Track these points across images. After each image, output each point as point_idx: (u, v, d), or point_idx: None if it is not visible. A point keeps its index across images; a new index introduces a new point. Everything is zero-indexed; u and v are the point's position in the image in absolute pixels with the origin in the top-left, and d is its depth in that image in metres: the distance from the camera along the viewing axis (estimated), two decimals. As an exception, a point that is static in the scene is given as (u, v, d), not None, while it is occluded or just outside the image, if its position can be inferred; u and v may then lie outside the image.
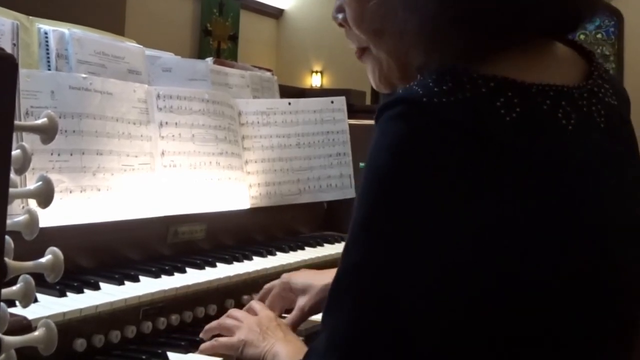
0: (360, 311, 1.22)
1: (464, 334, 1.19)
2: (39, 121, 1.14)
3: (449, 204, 1.17)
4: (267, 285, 2.17)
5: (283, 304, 2.13)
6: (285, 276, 2.14)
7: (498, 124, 1.20)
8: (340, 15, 1.59)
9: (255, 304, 2.05)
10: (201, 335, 1.95)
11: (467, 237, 1.16)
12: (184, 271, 2.14)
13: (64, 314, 1.67)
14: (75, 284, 1.84)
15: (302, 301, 2.07)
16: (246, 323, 1.92)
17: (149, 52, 2.69)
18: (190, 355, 1.85)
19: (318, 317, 2.00)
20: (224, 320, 1.97)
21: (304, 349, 1.72)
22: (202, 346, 1.89)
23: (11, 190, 1.02)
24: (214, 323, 1.96)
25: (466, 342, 1.19)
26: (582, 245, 1.22)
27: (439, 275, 1.17)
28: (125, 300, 1.84)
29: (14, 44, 2.08)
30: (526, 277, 1.18)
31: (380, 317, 1.20)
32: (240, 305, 2.16)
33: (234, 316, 1.98)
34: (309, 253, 2.62)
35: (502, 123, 1.20)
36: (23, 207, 1.84)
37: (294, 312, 2.06)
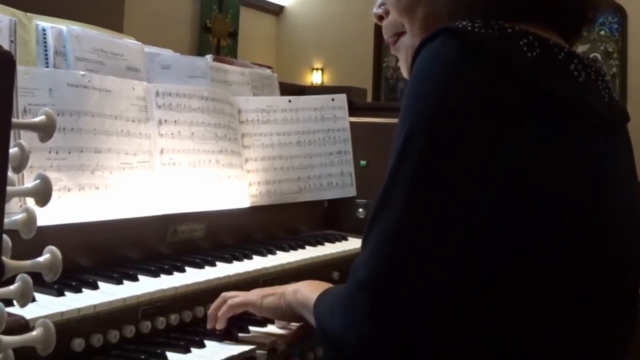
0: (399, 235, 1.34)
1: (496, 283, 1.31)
2: (37, 119, 1.13)
3: (482, 141, 1.31)
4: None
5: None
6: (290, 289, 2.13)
7: (521, 58, 1.37)
8: (381, 9, 1.71)
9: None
10: (209, 324, 1.99)
11: (498, 177, 1.30)
12: (183, 270, 2.14)
13: (62, 313, 1.67)
14: (74, 284, 1.84)
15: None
16: (254, 290, 2.00)
17: (148, 49, 2.69)
18: (189, 355, 1.84)
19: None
20: (223, 295, 2.01)
21: (323, 284, 1.77)
22: (220, 312, 1.96)
23: (9, 188, 1.02)
24: (212, 305, 2.01)
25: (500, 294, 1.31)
26: (594, 181, 1.39)
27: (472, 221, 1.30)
28: (124, 299, 1.84)
29: (12, 41, 2.08)
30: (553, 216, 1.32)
31: (418, 250, 1.32)
32: (240, 305, 2.17)
33: (236, 292, 2.02)
34: (310, 252, 2.62)
35: (524, 58, 1.37)
36: (21, 206, 1.83)
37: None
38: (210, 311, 2.00)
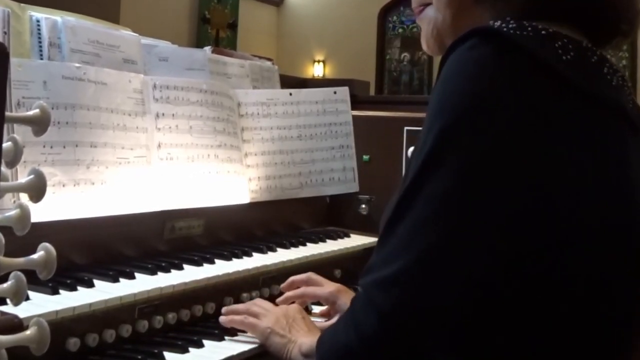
0: (426, 239, 1.36)
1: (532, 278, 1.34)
2: (31, 112, 1.13)
3: (520, 135, 1.34)
4: (312, 276, 2.27)
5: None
6: (334, 291, 2.20)
7: (557, 60, 1.40)
8: None
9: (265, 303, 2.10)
10: (222, 317, 2.03)
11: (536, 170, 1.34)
12: (181, 268, 2.14)
13: (57, 312, 1.67)
14: (69, 281, 1.84)
15: None
16: (273, 312, 2.00)
17: (145, 40, 2.69)
18: (187, 355, 1.85)
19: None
20: (251, 305, 2.05)
21: None
22: (232, 318, 1.99)
23: (2, 184, 1.02)
24: (239, 306, 2.06)
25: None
26: (625, 183, 1.42)
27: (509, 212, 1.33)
28: (120, 298, 1.84)
29: (5, 32, 2.07)
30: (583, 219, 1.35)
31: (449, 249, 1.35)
32: (239, 304, 2.17)
33: (260, 304, 2.06)
34: (311, 249, 2.62)
35: (560, 60, 1.40)
36: (14, 202, 1.84)
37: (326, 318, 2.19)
38: (232, 308, 2.06)
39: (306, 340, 1.85)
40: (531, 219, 1.33)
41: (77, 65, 2.19)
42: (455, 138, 1.35)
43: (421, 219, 1.37)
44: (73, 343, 1.71)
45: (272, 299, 2.26)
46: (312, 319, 2.09)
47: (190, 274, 2.10)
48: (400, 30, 16.22)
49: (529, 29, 1.41)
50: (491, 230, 1.33)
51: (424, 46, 1.70)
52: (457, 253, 1.34)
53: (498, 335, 1.37)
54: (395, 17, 16.25)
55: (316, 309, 2.30)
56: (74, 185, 2.07)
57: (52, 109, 2.03)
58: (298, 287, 2.24)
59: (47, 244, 1.16)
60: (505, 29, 1.40)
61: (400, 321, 1.38)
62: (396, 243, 1.40)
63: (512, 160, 1.34)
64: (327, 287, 2.21)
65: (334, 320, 2.10)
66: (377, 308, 1.39)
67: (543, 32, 1.42)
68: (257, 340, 1.95)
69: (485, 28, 1.41)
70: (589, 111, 1.40)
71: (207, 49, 3.03)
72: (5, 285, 1.10)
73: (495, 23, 1.43)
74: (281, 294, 2.25)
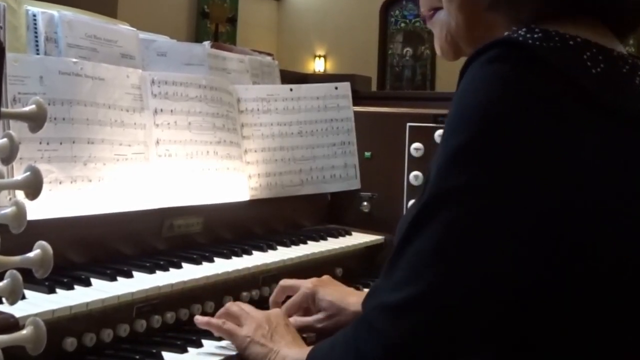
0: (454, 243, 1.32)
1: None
2: (27, 108, 1.13)
3: (545, 146, 1.30)
4: (284, 284, 2.19)
5: (299, 312, 2.14)
6: (310, 286, 2.14)
7: (585, 74, 1.35)
8: None
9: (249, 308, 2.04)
10: (198, 317, 1.98)
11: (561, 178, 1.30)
12: (179, 266, 2.14)
13: (53, 311, 1.67)
14: (65, 280, 1.84)
15: (321, 321, 2.10)
16: (254, 317, 1.93)
17: (143, 35, 2.68)
18: (186, 355, 1.85)
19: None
20: (230, 306, 1.99)
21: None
22: (209, 320, 1.93)
23: (-3, 181, 1.02)
24: (220, 312, 1.99)
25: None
26: None
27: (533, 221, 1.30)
28: (118, 297, 1.84)
29: (1, 27, 2.07)
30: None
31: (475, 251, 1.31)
32: (239, 303, 2.17)
33: (240, 305, 2.00)
34: (312, 247, 2.62)
35: (588, 74, 1.35)
36: (10, 199, 1.84)
37: (307, 323, 2.10)
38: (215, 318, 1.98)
39: (290, 352, 1.79)
40: (552, 229, 1.31)
41: (74, 60, 2.19)
42: (472, 160, 1.32)
43: (434, 246, 1.33)
44: (70, 343, 1.71)
45: (272, 298, 2.26)
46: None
47: (189, 273, 2.10)
48: (402, 24, 16.22)
49: (556, 38, 1.37)
50: (518, 251, 1.31)
51: (438, 51, 1.68)
52: (475, 283, 1.32)
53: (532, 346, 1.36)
54: (397, 11, 16.26)
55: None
56: (71, 183, 2.07)
57: (49, 104, 2.03)
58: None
59: (43, 242, 1.16)
60: (530, 41, 1.36)
61: (409, 352, 1.34)
62: (407, 267, 1.36)
63: (531, 187, 1.30)
64: (303, 287, 2.13)
65: (308, 319, 2.09)
66: (382, 337, 1.35)
67: (571, 42, 1.38)
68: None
69: (509, 40, 1.37)
70: (618, 129, 1.35)
71: (206, 43, 3.03)
72: (0, 284, 1.10)
73: (520, 31, 1.39)
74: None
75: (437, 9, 1.65)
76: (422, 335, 1.33)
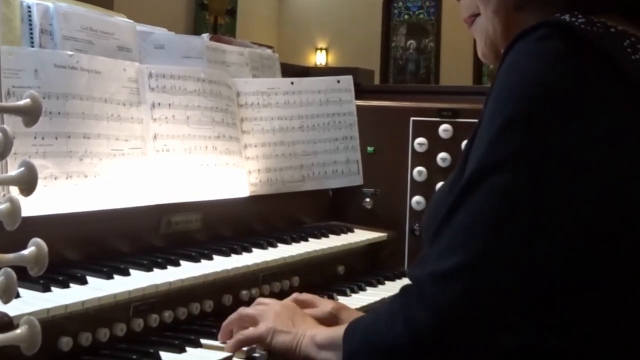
0: (503, 213, 1.39)
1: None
2: (22, 102, 1.13)
3: (594, 127, 1.39)
4: (299, 297, 2.12)
5: None
6: (333, 308, 2.09)
7: (626, 59, 1.43)
8: None
9: (263, 299, 2.05)
10: (219, 335, 1.94)
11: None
12: (177, 264, 2.14)
13: (48, 310, 1.67)
14: (61, 278, 1.84)
15: None
16: (270, 308, 1.93)
17: (140, 27, 2.68)
18: (184, 355, 1.84)
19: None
20: (243, 310, 1.97)
21: (343, 326, 1.74)
22: (227, 345, 1.89)
23: (-9, 176, 1.02)
24: (230, 317, 1.96)
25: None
26: None
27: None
28: (115, 295, 1.84)
29: (-6, 19, 2.07)
30: None
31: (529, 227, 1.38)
32: (238, 301, 2.17)
33: (254, 306, 1.99)
34: (313, 245, 2.62)
35: (629, 59, 1.43)
36: (4, 195, 1.83)
37: None
38: (224, 325, 1.95)
39: (320, 330, 1.81)
40: (609, 204, 1.39)
41: (70, 53, 2.19)
42: (525, 129, 1.39)
43: (484, 212, 1.39)
44: (65, 342, 1.71)
45: (272, 296, 2.26)
46: None
47: (187, 271, 2.10)
48: (406, 16, 16.22)
49: (598, 24, 1.44)
50: (566, 221, 1.38)
51: (480, 56, 1.74)
52: (525, 247, 1.38)
53: (575, 322, 1.43)
54: (400, 3, 16.26)
55: None
56: (66, 178, 2.07)
57: (44, 98, 2.03)
58: None
59: (38, 239, 1.16)
60: (576, 23, 1.43)
61: (459, 316, 1.40)
62: (456, 235, 1.42)
63: (583, 152, 1.37)
64: (323, 305, 2.09)
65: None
66: (433, 302, 1.41)
67: (612, 29, 1.45)
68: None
69: (557, 20, 1.44)
70: None
71: (205, 36, 3.02)
72: (-6, 282, 1.10)
73: (564, 17, 1.46)
74: (282, 291, 2.24)
75: (477, 15, 1.71)
76: (470, 301, 1.39)
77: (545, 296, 1.43)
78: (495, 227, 1.38)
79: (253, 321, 1.91)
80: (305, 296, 2.13)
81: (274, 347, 1.85)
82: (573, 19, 1.44)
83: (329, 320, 2.04)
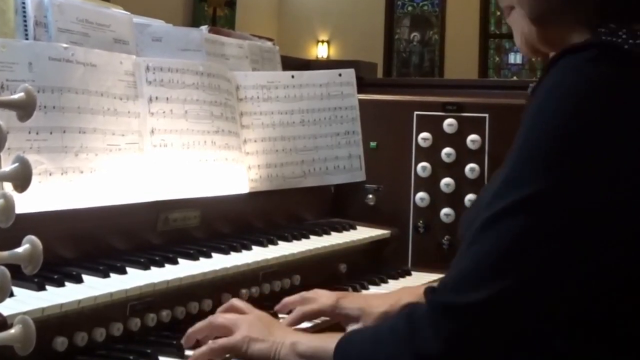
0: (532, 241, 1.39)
1: None
2: (16, 96, 1.13)
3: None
4: (307, 295, 2.17)
5: (303, 321, 2.13)
6: (331, 299, 2.12)
7: None
8: None
9: (238, 302, 2.03)
10: (183, 341, 1.89)
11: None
12: (175, 262, 2.14)
13: (43, 309, 1.67)
14: (56, 277, 1.84)
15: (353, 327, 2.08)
16: (244, 318, 1.90)
17: (137, 19, 2.68)
18: (183, 355, 1.84)
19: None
20: (214, 319, 1.94)
21: (330, 336, 1.73)
22: (195, 353, 1.83)
23: (-16, 172, 1.02)
24: (199, 324, 1.92)
25: None
26: None
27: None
28: (111, 294, 1.84)
29: (-12, 11, 2.07)
30: None
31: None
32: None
33: (223, 315, 1.96)
34: (315, 242, 2.62)
35: None
36: (-2, 191, 1.84)
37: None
38: (190, 332, 1.90)
39: (302, 338, 1.79)
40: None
41: (65, 45, 2.19)
42: (566, 157, 1.40)
43: (509, 250, 1.40)
44: (60, 342, 1.71)
45: (272, 295, 2.27)
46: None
47: (185, 269, 2.10)
48: (409, 8, 16.21)
49: None
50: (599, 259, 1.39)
51: (520, 50, 1.75)
52: (539, 297, 1.41)
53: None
54: (404, -6, 16.25)
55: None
56: (62, 174, 2.07)
57: (38, 92, 2.03)
58: (291, 310, 2.14)
59: (32, 237, 1.16)
60: (627, 46, 1.43)
61: (471, 352, 1.42)
62: (480, 267, 1.43)
63: (619, 194, 1.38)
64: (325, 298, 2.13)
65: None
66: (444, 335, 1.42)
67: None
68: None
69: (608, 43, 1.45)
70: None
71: (204, 28, 3.02)
72: (-13, 280, 1.11)
73: (611, 37, 1.46)
74: (283, 290, 2.25)
75: (512, 7, 1.71)
76: (485, 337, 1.41)
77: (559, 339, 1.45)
78: (514, 267, 1.39)
79: (226, 331, 1.87)
80: (309, 294, 2.16)
81: (251, 356, 1.80)
82: (619, 39, 1.44)
83: (333, 313, 2.11)
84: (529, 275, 1.38)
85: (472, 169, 2.97)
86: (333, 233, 2.79)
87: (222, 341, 1.84)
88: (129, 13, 2.67)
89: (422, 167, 3.04)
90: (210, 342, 1.85)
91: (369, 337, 1.59)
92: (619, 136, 1.38)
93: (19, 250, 1.15)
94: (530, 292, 1.39)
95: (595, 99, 1.39)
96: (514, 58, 15.43)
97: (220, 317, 1.94)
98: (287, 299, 2.17)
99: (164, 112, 2.41)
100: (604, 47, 1.43)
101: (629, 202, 1.37)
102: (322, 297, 2.14)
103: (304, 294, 2.19)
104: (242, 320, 1.89)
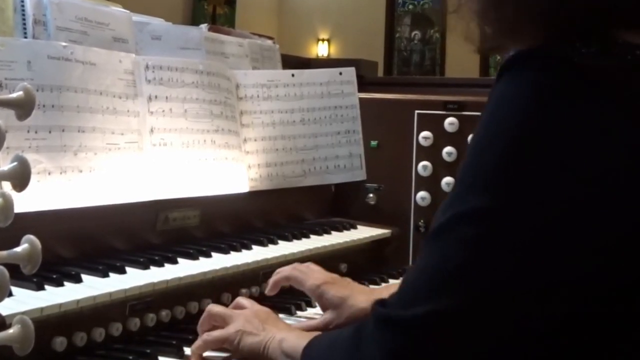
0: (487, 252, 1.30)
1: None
2: (14, 95, 1.13)
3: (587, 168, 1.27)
4: (289, 275, 2.19)
5: None
6: (314, 284, 2.13)
7: None
8: None
9: (243, 300, 2.04)
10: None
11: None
12: (175, 262, 2.14)
13: (42, 309, 1.67)
14: (55, 276, 1.84)
15: (330, 316, 2.10)
16: (241, 312, 1.92)
17: (137, 17, 2.68)
18: (182, 355, 1.84)
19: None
20: (212, 307, 1.96)
21: (311, 335, 1.73)
22: (192, 347, 1.86)
23: (-18, 171, 1.02)
24: (202, 316, 1.94)
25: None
26: None
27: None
28: (110, 294, 1.84)
29: (-14, 9, 2.07)
30: None
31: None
32: (238, 300, 2.17)
33: (224, 309, 1.97)
34: (315, 242, 2.62)
35: None
36: (-4, 191, 1.84)
37: (316, 323, 2.11)
38: (198, 327, 1.93)
39: (289, 336, 1.79)
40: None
41: (64, 44, 2.19)
42: (513, 171, 1.31)
43: (458, 264, 1.32)
44: (59, 342, 1.71)
45: (273, 294, 2.26)
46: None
47: (185, 269, 2.10)
48: (410, 6, 16.20)
49: (614, 52, 1.33)
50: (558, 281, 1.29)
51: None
52: (484, 313, 1.31)
53: None
54: (405, -7, 16.25)
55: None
56: (61, 173, 2.07)
57: (37, 91, 2.02)
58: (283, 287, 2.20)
59: (31, 236, 1.16)
60: (581, 59, 1.32)
61: None
62: (426, 280, 1.35)
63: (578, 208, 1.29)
64: (313, 280, 2.14)
65: (315, 322, 2.11)
66: (387, 348, 1.36)
67: (629, 56, 1.32)
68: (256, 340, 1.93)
69: (557, 53, 1.34)
70: None
71: (204, 26, 3.02)
72: (-14, 280, 1.10)
73: (571, 45, 1.35)
74: (283, 289, 2.24)
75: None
76: (428, 352, 1.33)
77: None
78: (462, 282, 1.31)
79: (222, 321, 1.89)
80: (296, 274, 2.19)
81: (242, 349, 1.83)
82: (584, 51, 1.32)
83: (314, 294, 2.14)
84: (476, 292, 1.30)
85: (473, 168, 2.97)
86: (333, 232, 2.79)
87: (216, 333, 1.87)
88: (128, 11, 2.67)
89: (423, 166, 3.04)
90: (205, 334, 1.88)
91: (329, 341, 1.58)
92: (568, 148, 1.29)
93: (18, 249, 1.15)
94: (477, 308, 1.30)
95: (544, 111, 1.30)
96: (516, 57, 15.38)
97: (216, 307, 1.96)
98: (275, 278, 2.21)
99: (163, 111, 2.41)
100: (555, 57, 1.33)
101: (581, 215, 1.27)
102: (310, 279, 2.15)
103: (296, 265, 2.22)
104: (238, 314, 1.90)
